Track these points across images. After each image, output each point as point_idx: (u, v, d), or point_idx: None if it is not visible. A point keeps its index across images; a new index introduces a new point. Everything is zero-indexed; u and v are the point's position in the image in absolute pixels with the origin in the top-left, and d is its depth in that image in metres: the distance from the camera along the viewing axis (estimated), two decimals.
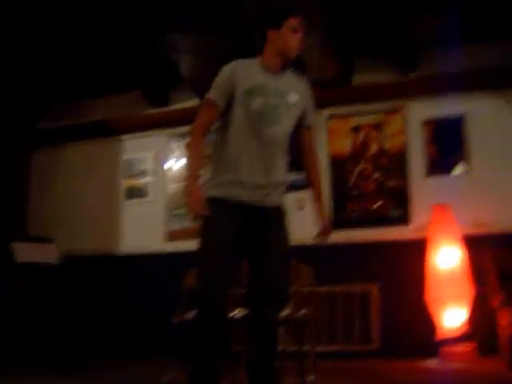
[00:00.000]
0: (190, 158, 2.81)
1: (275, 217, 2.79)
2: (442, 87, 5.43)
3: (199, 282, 2.67)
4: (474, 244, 5.04)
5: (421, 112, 5.56)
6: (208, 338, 2.66)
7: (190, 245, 2.82)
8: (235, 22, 4.86)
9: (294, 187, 5.70)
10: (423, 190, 5.47)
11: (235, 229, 2.68)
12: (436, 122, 5.52)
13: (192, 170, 2.73)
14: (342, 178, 5.75)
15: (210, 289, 2.62)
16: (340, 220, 5.49)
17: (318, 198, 2.91)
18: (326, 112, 5.82)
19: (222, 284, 2.64)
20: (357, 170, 5.72)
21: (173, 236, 6.22)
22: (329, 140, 5.84)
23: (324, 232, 2.85)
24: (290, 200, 5.65)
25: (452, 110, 5.44)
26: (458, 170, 5.42)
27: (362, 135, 5.72)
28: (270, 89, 2.78)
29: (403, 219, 5.47)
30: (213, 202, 2.67)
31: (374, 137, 5.70)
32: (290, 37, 2.78)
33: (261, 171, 2.75)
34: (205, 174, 2.75)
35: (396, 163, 5.59)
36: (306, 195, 5.56)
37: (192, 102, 6.03)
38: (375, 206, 5.60)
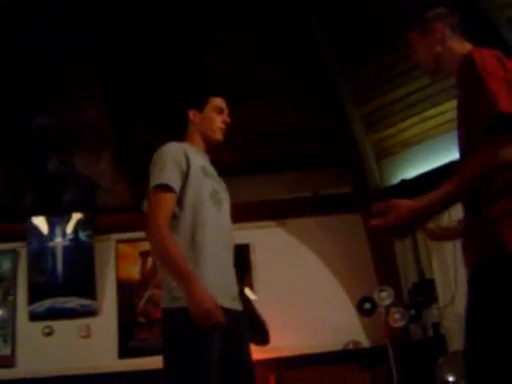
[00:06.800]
0: (177, 259, 2.21)
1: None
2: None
3: None
4: (262, 368, 5.12)
5: None
6: None
7: None
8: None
9: (76, 313, 5.43)
10: None
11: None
12: None
13: (189, 272, 2.19)
14: (130, 304, 5.56)
15: None
16: (128, 348, 5.40)
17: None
18: (115, 237, 5.71)
19: None
20: (146, 296, 5.59)
21: None
22: (117, 264, 5.68)
23: None
24: (74, 327, 5.40)
25: (238, 237, 5.65)
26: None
27: (150, 260, 5.65)
28: (211, 171, 2.52)
29: None
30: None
31: None
32: (215, 117, 2.56)
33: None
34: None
35: None
36: (90, 322, 5.35)
37: None
38: None
